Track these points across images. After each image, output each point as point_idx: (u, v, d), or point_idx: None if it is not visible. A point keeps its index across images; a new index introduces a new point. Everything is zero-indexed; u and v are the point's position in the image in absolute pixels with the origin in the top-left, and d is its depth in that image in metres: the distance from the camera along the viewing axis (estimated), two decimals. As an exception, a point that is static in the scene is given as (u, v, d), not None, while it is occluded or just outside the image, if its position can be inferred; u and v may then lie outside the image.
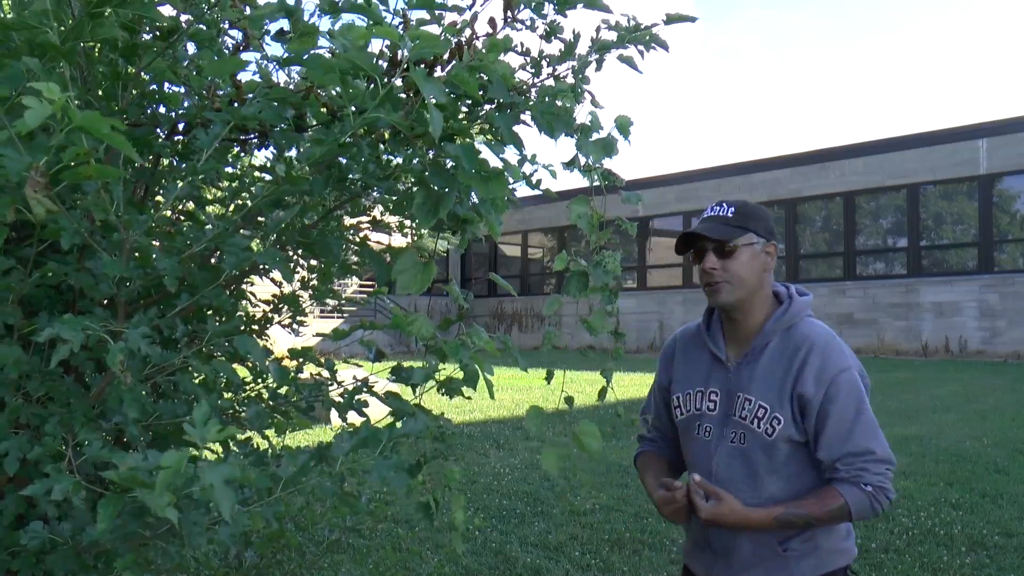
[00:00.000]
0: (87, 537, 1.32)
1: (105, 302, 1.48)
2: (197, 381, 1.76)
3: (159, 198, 1.77)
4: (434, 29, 1.30)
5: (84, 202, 1.17)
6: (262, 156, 2.01)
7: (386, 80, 1.18)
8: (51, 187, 0.99)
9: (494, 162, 1.27)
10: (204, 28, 1.54)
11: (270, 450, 1.63)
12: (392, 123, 1.17)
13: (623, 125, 1.23)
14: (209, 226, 1.46)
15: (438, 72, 1.31)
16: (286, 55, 1.34)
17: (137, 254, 1.37)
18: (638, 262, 21.11)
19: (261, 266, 1.95)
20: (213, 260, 1.59)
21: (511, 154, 1.25)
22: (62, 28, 1.34)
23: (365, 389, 1.51)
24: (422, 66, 1.25)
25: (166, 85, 1.73)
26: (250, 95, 1.47)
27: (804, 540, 1.86)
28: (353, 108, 1.23)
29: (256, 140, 1.78)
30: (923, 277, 16.44)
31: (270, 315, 2.27)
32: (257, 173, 1.88)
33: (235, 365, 1.85)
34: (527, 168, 1.26)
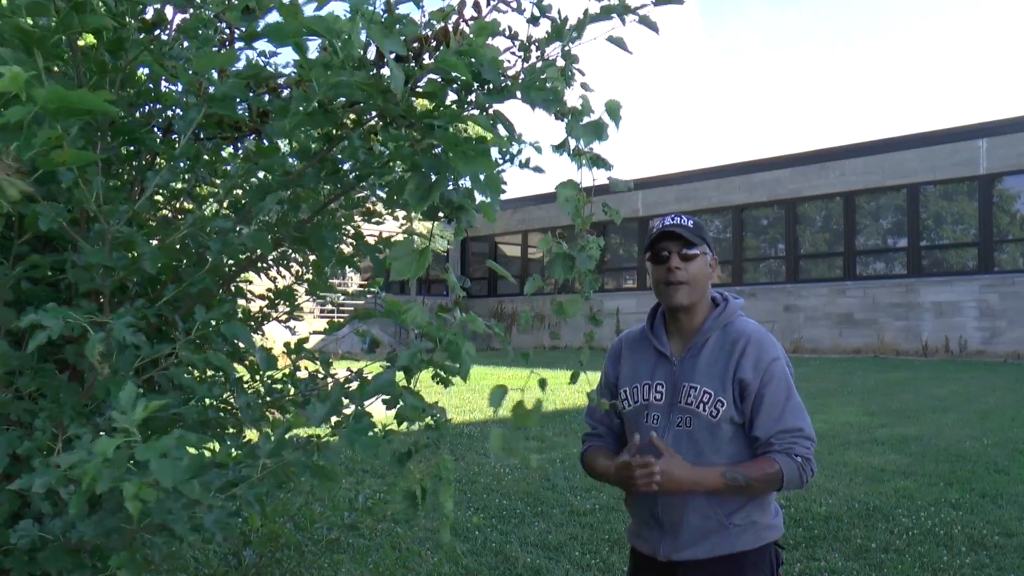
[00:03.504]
0: (76, 534, 1.31)
1: (96, 294, 1.46)
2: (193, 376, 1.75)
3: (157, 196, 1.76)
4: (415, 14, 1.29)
5: (61, 192, 1.15)
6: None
7: (364, 56, 1.17)
8: (25, 172, 0.98)
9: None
10: (197, 14, 1.52)
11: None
12: (359, 85, 1.16)
13: (612, 109, 1.23)
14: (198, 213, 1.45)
15: (426, 60, 1.29)
16: (245, 29, 1.33)
17: (120, 242, 1.35)
18: (638, 261, 21.08)
19: (259, 264, 1.93)
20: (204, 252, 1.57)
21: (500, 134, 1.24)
22: (54, 22, 1.33)
23: (358, 380, 1.49)
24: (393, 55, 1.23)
25: (163, 85, 1.72)
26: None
27: (744, 516, 2.10)
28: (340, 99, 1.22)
29: (254, 139, 1.76)
30: (923, 277, 16.41)
31: (266, 311, 2.26)
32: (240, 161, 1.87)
33: (233, 364, 1.83)
34: (514, 148, 1.26)
